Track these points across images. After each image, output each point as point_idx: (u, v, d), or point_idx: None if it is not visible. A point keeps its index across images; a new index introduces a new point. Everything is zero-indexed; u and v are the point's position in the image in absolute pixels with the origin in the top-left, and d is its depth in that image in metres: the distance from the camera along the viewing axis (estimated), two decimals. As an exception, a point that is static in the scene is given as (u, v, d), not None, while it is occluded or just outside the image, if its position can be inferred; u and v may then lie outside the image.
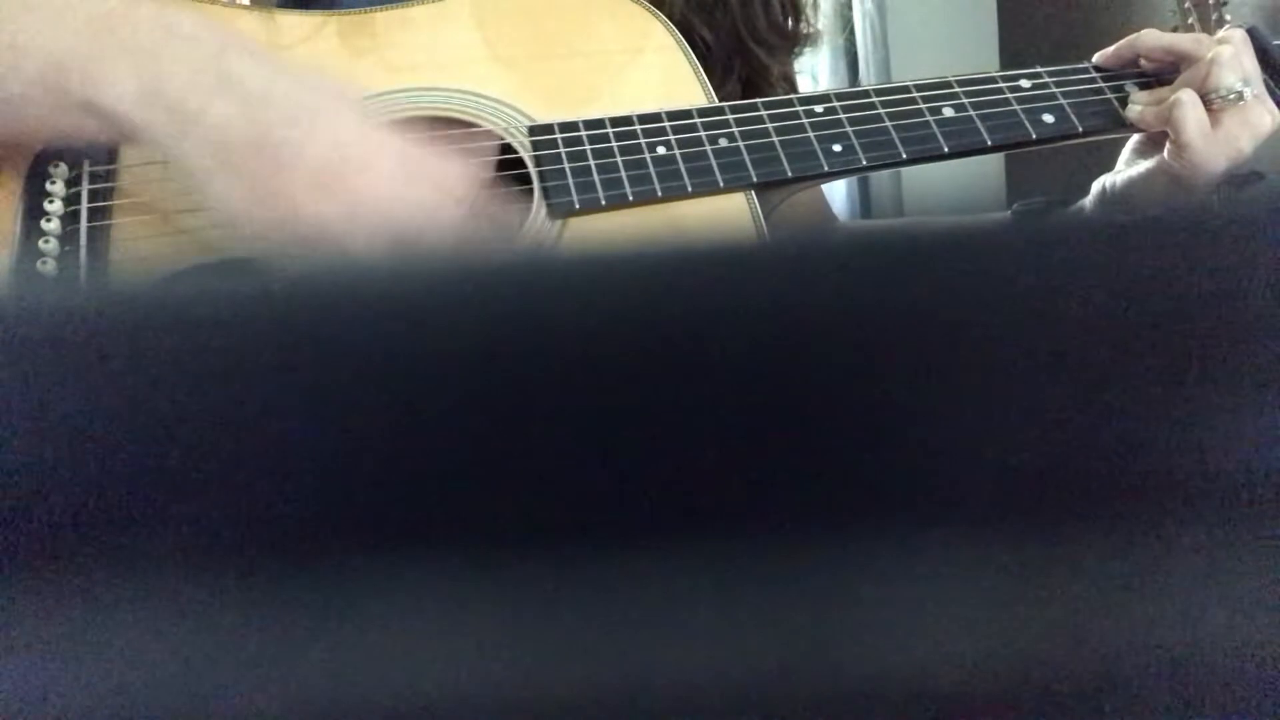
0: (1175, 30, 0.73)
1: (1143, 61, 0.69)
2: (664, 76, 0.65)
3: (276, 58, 0.54)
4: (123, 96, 0.48)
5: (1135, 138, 0.69)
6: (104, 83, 0.48)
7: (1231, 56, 0.63)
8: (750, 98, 0.74)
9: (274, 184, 0.48)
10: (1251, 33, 0.67)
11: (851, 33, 1.76)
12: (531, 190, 0.57)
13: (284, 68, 0.50)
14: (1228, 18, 0.74)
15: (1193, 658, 0.18)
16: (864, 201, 1.77)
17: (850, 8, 1.77)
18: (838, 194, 1.71)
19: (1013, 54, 1.70)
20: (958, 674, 0.19)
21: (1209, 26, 0.74)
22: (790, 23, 0.78)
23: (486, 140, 0.58)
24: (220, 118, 0.48)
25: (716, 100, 0.63)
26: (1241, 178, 0.64)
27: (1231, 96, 0.63)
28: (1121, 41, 0.69)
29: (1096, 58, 0.69)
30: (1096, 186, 0.70)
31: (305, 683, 0.19)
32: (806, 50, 0.81)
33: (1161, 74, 0.68)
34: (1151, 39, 0.68)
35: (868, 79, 1.77)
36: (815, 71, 1.76)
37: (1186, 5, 0.76)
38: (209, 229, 0.54)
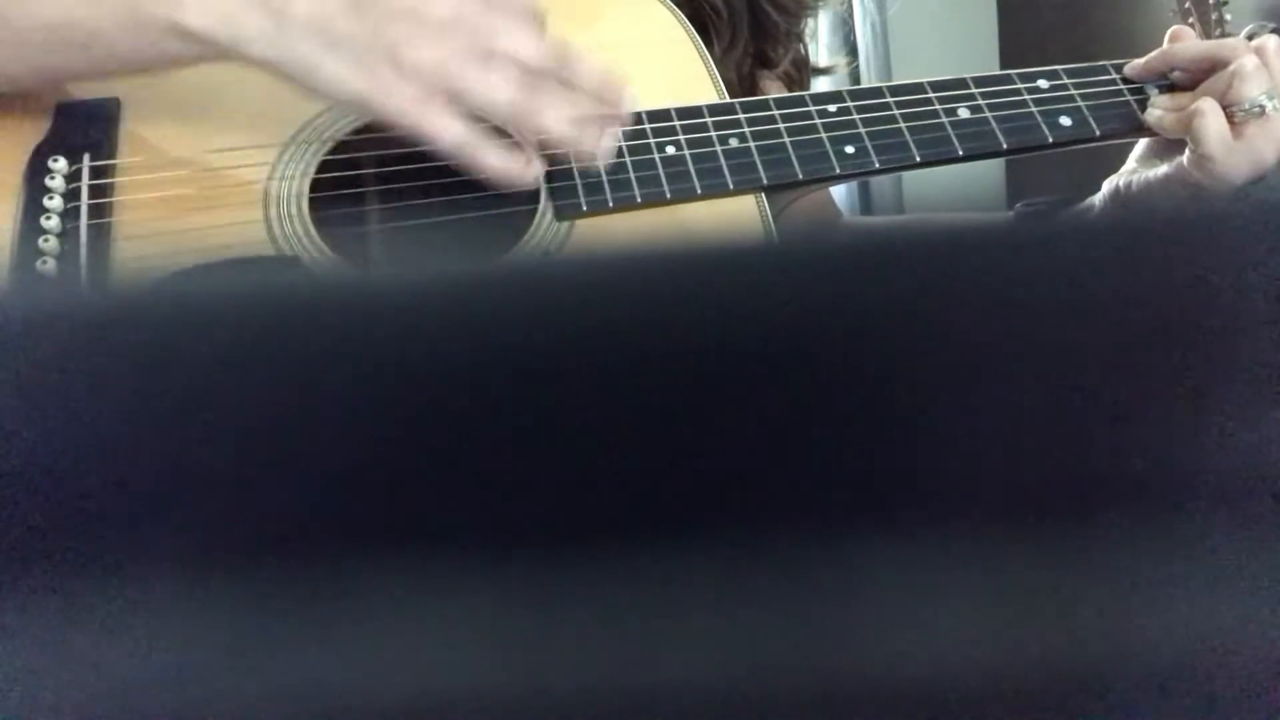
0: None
1: (1175, 74, 0.66)
2: (673, 71, 0.63)
3: None
4: (206, 11, 0.48)
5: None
6: (184, 2, 0.48)
7: (1255, 69, 0.61)
8: (759, 55, 0.70)
9: (381, 37, 0.47)
10: None
11: (851, 31, 1.76)
12: (538, 192, 0.56)
13: None
14: (1228, 17, 0.73)
15: (1197, 658, 0.18)
16: (864, 199, 1.77)
17: (850, 5, 1.77)
18: (838, 191, 1.70)
19: (1013, 53, 1.70)
20: (958, 674, 0.19)
21: (1209, 26, 0.73)
22: None
23: None
24: None
25: (727, 96, 0.62)
26: None
27: (1255, 110, 0.60)
28: (1153, 55, 0.66)
29: (1127, 70, 0.66)
30: (1108, 186, 0.68)
31: (306, 683, 0.19)
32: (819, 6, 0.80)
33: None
34: (1187, 52, 0.65)
35: (868, 79, 1.77)
36: (815, 55, 1.76)
37: (1186, 5, 0.75)
38: (212, 227, 0.53)
